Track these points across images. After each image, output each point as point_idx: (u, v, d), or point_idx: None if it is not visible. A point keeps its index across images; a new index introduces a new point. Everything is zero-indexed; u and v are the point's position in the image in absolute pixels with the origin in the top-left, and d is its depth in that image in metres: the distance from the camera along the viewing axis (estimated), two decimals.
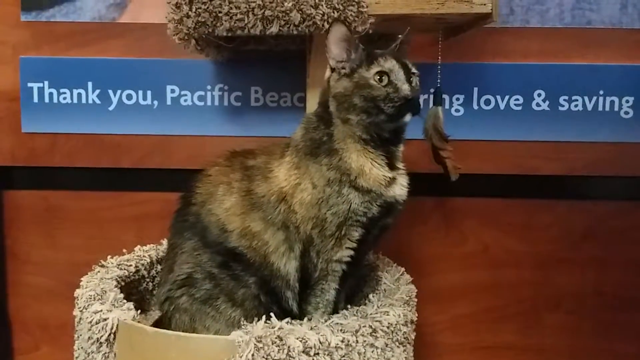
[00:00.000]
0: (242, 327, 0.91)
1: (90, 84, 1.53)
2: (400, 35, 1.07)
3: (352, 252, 1.02)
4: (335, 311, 1.05)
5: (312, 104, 1.20)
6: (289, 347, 0.85)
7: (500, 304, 1.60)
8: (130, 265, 1.20)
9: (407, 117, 1.00)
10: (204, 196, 1.06)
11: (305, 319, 1.00)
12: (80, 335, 1.00)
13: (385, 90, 0.98)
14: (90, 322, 0.95)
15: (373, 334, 0.93)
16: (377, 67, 0.99)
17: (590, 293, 1.58)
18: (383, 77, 0.99)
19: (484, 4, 1.09)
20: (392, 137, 1.03)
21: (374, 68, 1.00)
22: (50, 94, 1.53)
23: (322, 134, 1.03)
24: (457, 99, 1.51)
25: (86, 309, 0.98)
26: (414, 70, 1.02)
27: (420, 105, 1.02)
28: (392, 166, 1.03)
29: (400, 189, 1.03)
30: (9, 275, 1.61)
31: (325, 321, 0.94)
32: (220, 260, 1.02)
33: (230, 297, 1.01)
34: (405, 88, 0.99)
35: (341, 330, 0.91)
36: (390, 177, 1.01)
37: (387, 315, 0.98)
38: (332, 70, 1.04)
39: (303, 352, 0.86)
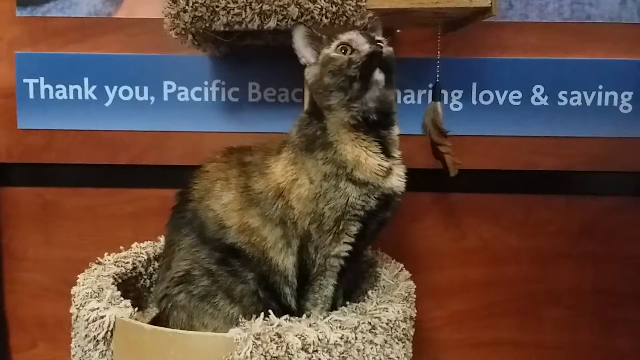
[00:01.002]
0: (241, 324, 0.90)
1: (86, 80, 1.52)
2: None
3: (350, 247, 1.02)
4: (333, 307, 1.05)
5: None
6: (287, 344, 0.85)
7: (499, 300, 1.59)
8: (128, 263, 1.19)
9: (378, 75, 0.98)
10: (201, 192, 1.05)
11: (304, 315, 0.99)
12: (77, 333, 0.99)
13: (348, 57, 0.99)
14: (87, 319, 0.95)
15: (372, 330, 0.92)
16: (336, 42, 1.01)
17: (589, 289, 1.58)
18: (345, 47, 1.00)
19: None
20: (380, 119, 1.02)
21: (333, 44, 1.01)
22: (46, 90, 1.52)
23: (316, 128, 1.03)
24: (456, 94, 1.50)
25: (83, 306, 0.98)
26: (379, 38, 1.02)
27: (390, 62, 1.00)
28: (387, 154, 1.03)
29: (397, 180, 1.02)
30: (5, 273, 1.60)
31: (324, 318, 0.94)
32: (218, 257, 1.02)
33: (228, 294, 1.00)
34: (365, 47, 0.99)
35: (340, 327, 0.90)
36: (386, 167, 1.01)
37: (386, 311, 0.97)
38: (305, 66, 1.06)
39: (302, 349, 0.85)
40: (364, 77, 0.98)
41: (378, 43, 1.00)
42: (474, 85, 1.50)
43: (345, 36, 1.01)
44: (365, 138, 1.01)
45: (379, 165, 1.00)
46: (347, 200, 0.98)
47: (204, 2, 1.07)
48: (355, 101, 0.99)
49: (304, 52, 1.04)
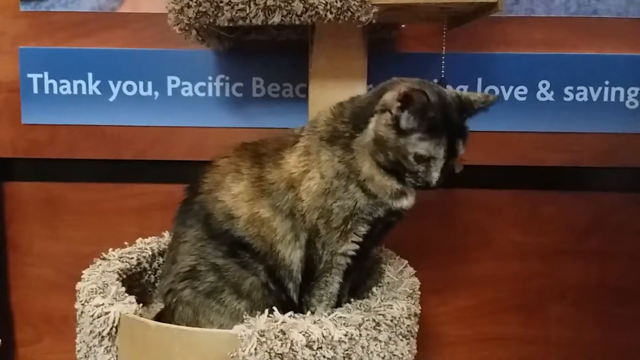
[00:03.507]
0: (245, 320, 0.90)
1: (90, 75, 1.51)
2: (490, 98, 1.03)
3: (357, 247, 1.01)
4: (338, 304, 1.04)
5: (315, 94, 1.19)
6: (292, 341, 0.85)
7: (503, 296, 1.59)
8: (132, 258, 1.19)
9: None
10: (211, 185, 1.05)
11: (309, 311, 1.00)
12: (82, 329, 0.99)
13: (417, 168, 0.95)
14: (92, 315, 0.95)
15: (376, 327, 0.92)
16: (423, 151, 0.93)
17: (595, 285, 1.57)
18: (421, 158, 0.94)
19: None
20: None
21: (420, 147, 0.93)
22: (50, 85, 1.52)
23: (347, 130, 1.00)
24: (461, 90, 1.48)
25: (88, 302, 0.98)
26: (461, 149, 0.97)
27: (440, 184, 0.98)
28: (402, 179, 1.00)
29: (408, 202, 1.02)
30: (11, 267, 1.61)
31: (329, 315, 0.94)
32: (226, 250, 1.01)
33: (235, 289, 1.00)
34: (434, 177, 0.95)
35: (344, 324, 0.90)
36: (398, 189, 1.00)
37: (391, 308, 0.97)
38: (387, 110, 0.96)
39: (306, 346, 0.85)
40: (410, 187, 1.00)
41: (454, 159, 0.98)
42: (479, 80, 1.49)
43: (432, 150, 0.93)
44: (385, 172, 0.99)
45: (391, 186, 0.99)
46: (356, 203, 0.98)
47: None
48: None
49: (408, 107, 0.93)
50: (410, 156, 0.94)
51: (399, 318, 0.96)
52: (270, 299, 1.00)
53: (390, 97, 0.96)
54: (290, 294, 1.03)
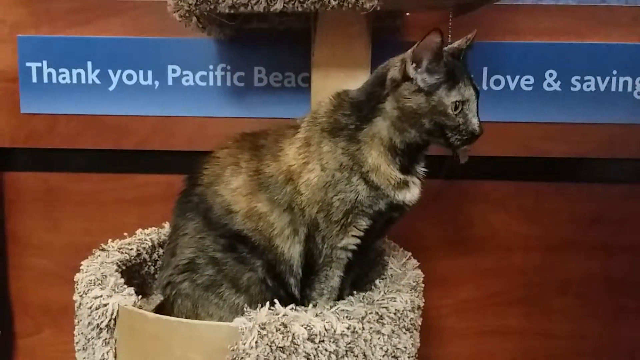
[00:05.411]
0: (246, 313, 0.89)
1: (89, 64, 1.49)
2: (469, 36, 1.06)
3: (358, 241, 1.00)
4: (340, 297, 1.03)
5: (317, 84, 1.17)
6: (293, 334, 0.83)
7: (507, 288, 1.58)
8: (132, 249, 1.18)
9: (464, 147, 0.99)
10: (210, 177, 1.03)
11: (310, 305, 0.98)
12: (80, 320, 0.98)
13: (458, 121, 0.95)
14: (90, 307, 0.94)
15: (380, 320, 0.91)
16: (458, 96, 0.95)
17: (599, 277, 1.56)
18: (458, 105, 0.95)
19: None
20: (415, 154, 1.01)
21: (453, 95, 0.94)
22: (49, 74, 1.49)
23: (351, 122, 0.99)
24: None
25: (86, 294, 0.97)
26: (477, 86, 0.99)
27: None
28: (406, 170, 1.00)
29: (410, 195, 1.00)
30: (10, 258, 1.60)
31: (331, 307, 0.93)
32: (224, 243, 1.00)
33: (234, 284, 0.99)
34: (474, 122, 0.96)
35: (347, 317, 0.89)
36: (401, 179, 0.98)
37: (394, 301, 0.96)
38: (406, 78, 0.96)
39: (308, 339, 0.84)
40: (454, 146, 0.98)
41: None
42: (485, 70, 1.47)
43: (466, 93, 0.95)
44: (392, 158, 0.98)
45: (395, 175, 0.98)
46: (357, 196, 0.96)
47: None
48: (424, 143, 1.00)
49: (425, 62, 0.94)
50: (449, 108, 0.94)
51: (403, 311, 0.95)
52: (268, 294, 0.98)
53: (396, 72, 0.97)
54: (291, 290, 1.01)
